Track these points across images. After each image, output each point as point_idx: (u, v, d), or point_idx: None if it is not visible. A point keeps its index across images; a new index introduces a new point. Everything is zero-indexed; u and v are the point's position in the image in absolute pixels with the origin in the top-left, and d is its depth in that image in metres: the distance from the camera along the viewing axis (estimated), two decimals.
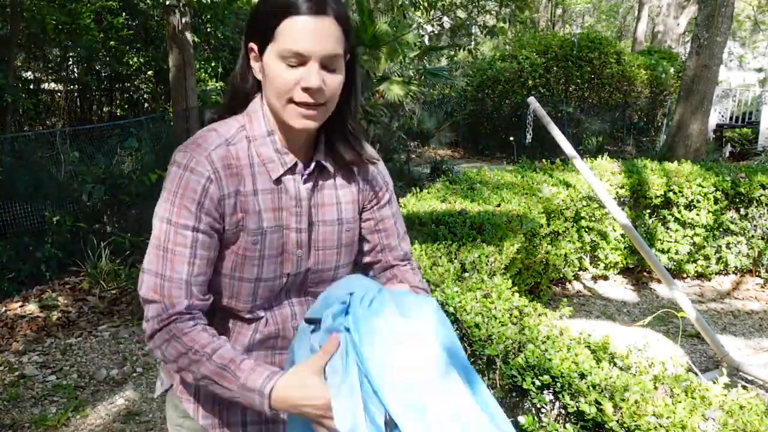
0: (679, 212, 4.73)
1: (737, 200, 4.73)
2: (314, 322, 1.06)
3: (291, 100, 1.04)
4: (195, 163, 1.05)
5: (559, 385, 1.72)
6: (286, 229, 1.14)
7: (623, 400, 1.57)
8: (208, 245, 1.07)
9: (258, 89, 1.13)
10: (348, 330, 0.96)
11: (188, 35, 5.42)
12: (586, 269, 4.81)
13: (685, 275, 4.95)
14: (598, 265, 4.80)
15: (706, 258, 4.83)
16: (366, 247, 1.29)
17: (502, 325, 2.00)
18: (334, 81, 1.06)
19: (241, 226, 1.09)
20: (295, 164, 1.13)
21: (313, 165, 1.16)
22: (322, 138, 1.17)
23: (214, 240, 1.08)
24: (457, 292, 2.26)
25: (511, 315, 2.10)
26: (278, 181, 1.12)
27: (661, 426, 1.48)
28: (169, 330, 1.05)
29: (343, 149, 1.18)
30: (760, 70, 23.94)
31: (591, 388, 1.65)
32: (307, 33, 1.00)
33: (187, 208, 1.04)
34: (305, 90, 1.02)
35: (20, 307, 4.13)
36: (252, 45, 1.08)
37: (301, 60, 1.01)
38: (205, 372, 1.04)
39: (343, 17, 1.04)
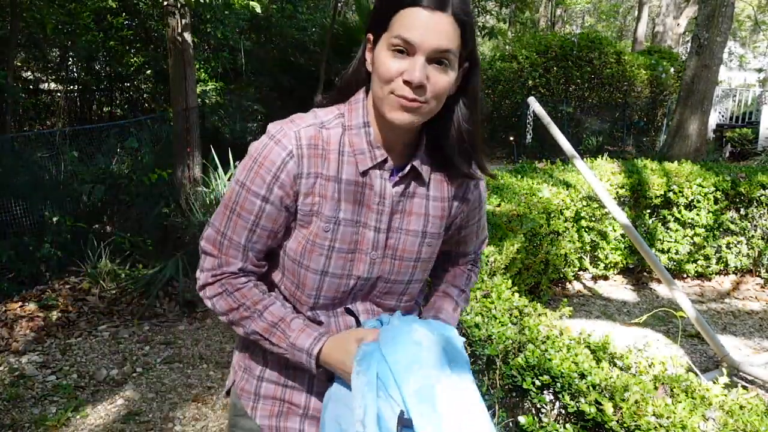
0: (679, 212, 4.73)
1: (737, 200, 4.73)
2: None
3: (392, 91, 1.00)
4: (282, 135, 1.05)
5: (559, 385, 1.72)
6: (364, 226, 1.10)
7: (623, 400, 1.57)
8: (275, 218, 1.07)
9: (367, 81, 1.10)
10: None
11: (188, 36, 5.42)
12: (586, 269, 4.81)
13: (685, 275, 4.95)
14: (598, 265, 4.80)
15: (706, 258, 4.83)
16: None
17: (502, 325, 2.00)
18: (441, 80, 1.00)
19: (316, 210, 1.07)
20: (385, 160, 1.09)
21: (408, 168, 1.11)
22: (423, 141, 1.12)
23: (282, 215, 1.07)
24: None
25: (510, 315, 2.10)
26: (365, 173, 1.08)
27: (661, 426, 1.48)
28: (222, 284, 1.08)
29: (460, 162, 1.12)
30: (760, 70, 23.94)
31: (591, 388, 1.65)
32: (419, 23, 0.96)
33: (262, 178, 1.04)
34: (406, 83, 0.98)
35: (20, 307, 4.12)
36: (369, 36, 1.06)
37: (408, 49, 0.97)
38: (255, 328, 1.07)
39: (462, 18, 0.99)
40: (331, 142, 1.07)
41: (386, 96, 1.00)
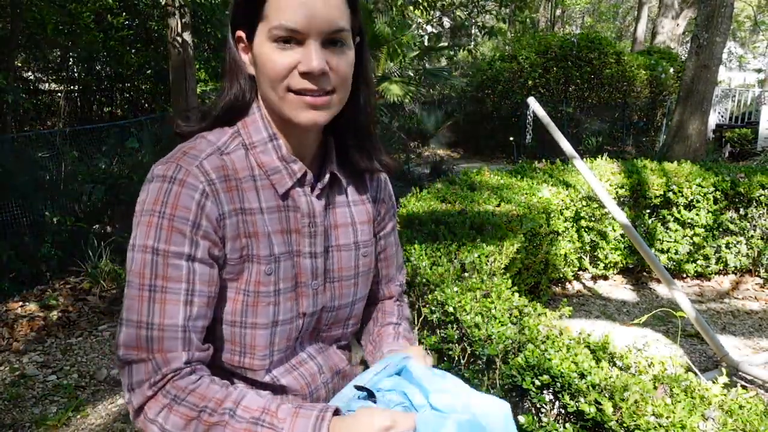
0: (679, 212, 4.74)
1: (737, 200, 4.73)
2: (364, 390, 0.88)
3: (289, 89, 0.84)
4: (184, 174, 0.83)
5: (558, 384, 1.73)
6: (298, 255, 0.93)
7: (623, 399, 1.58)
8: (208, 278, 0.84)
9: (253, 90, 0.92)
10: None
11: (188, 36, 5.42)
12: (586, 269, 4.82)
13: (684, 275, 4.95)
14: (598, 265, 4.80)
15: (706, 258, 4.84)
16: None
17: (502, 325, 2.00)
18: (343, 62, 0.85)
19: (247, 254, 0.87)
20: (305, 174, 0.93)
21: (327, 176, 0.96)
22: (331, 143, 0.98)
23: (215, 271, 0.85)
24: (456, 292, 2.26)
25: (510, 315, 2.10)
26: (286, 195, 0.91)
27: (660, 426, 1.48)
28: (167, 392, 0.78)
29: (356, 155, 0.98)
30: (759, 70, 23.95)
31: (591, 388, 1.66)
32: (301, 4, 0.80)
33: (180, 231, 0.81)
34: (305, 75, 0.82)
35: (20, 306, 4.13)
36: (239, 34, 0.88)
37: (296, 38, 0.82)
38: None
39: None
40: (239, 169, 0.88)
41: (284, 97, 0.85)
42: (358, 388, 0.88)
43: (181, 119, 0.94)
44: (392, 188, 1.14)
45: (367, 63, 0.96)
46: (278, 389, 0.94)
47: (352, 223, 1.01)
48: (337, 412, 0.79)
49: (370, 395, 0.87)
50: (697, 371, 2.24)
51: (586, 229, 4.62)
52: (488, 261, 2.73)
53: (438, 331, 2.26)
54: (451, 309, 2.19)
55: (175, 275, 0.81)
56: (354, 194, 1.02)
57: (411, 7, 10.08)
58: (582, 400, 1.65)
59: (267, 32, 0.82)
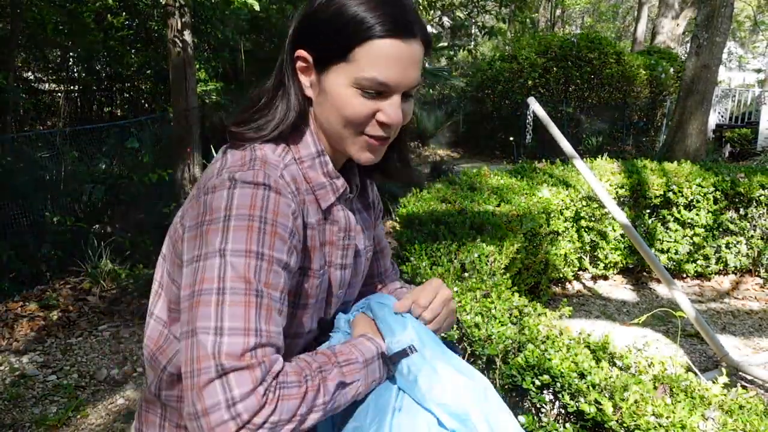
0: (679, 212, 4.74)
1: (737, 200, 4.73)
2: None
3: (362, 133, 0.87)
4: (275, 182, 0.81)
5: (558, 384, 1.73)
6: (330, 266, 0.96)
7: (623, 399, 1.58)
8: (289, 286, 0.84)
9: (308, 111, 0.93)
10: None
11: (188, 36, 5.42)
12: (586, 269, 4.82)
13: (684, 275, 4.95)
14: (598, 265, 4.80)
15: (706, 258, 4.84)
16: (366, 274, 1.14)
17: (502, 325, 2.00)
18: (409, 109, 0.90)
19: (304, 267, 0.89)
20: (346, 189, 0.95)
21: (357, 188, 1.01)
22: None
23: (293, 280, 0.87)
24: (456, 292, 2.26)
25: (510, 315, 2.10)
26: (327, 210, 0.94)
27: (660, 426, 1.48)
28: (275, 389, 0.75)
29: (400, 172, 1.04)
30: (759, 70, 23.95)
31: (591, 388, 1.66)
32: (396, 62, 0.82)
33: (282, 238, 0.80)
34: (383, 125, 0.87)
35: (21, 306, 4.13)
36: (303, 54, 0.88)
37: (383, 90, 0.84)
38: (337, 380, 0.81)
39: (426, 36, 0.87)
40: (299, 184, 0.90)
41: (354, 139, 0.88)
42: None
43: (237, 124, 0.91)
44: (392, 187, 1.19)
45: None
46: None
47: (363, 229, 1.04)
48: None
49: None
50: (697, 371, 2.24)
51: (586, 229, 4.62)
52: (488, 261, 2.73)
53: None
54: None
55: (275, 283, 0.79)
56: (362, 200, 1.08)
57: None
58: (582, 400, 1.65)
59: (353, 77, 0.83)
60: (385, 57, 0.82)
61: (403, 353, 0.88)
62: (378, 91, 0.84)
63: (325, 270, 0.93)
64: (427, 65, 12.52)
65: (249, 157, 0.85)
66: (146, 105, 9.82)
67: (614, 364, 1.83)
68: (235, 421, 0.70)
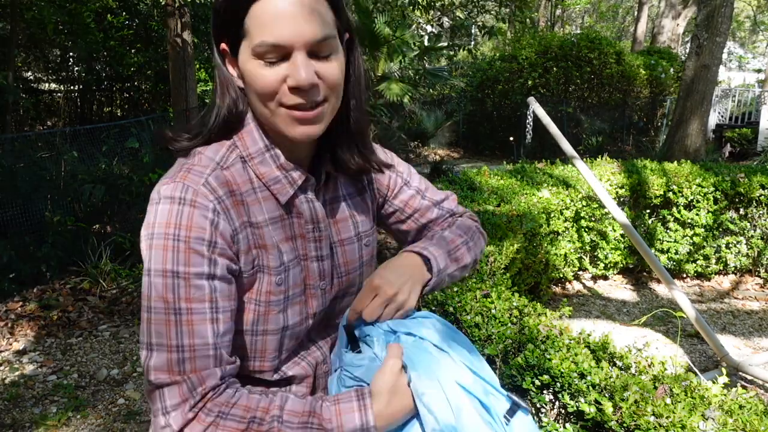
0: (679, 212, 4.74)
1: (737, 200, 4.73)
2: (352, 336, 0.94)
3: (281, 104, 0.83)
4: (193, 193, 0.82)
5: (558, 384, 1.73)
6: (305, 259, 0.94)
7: (623, 399, 1.58)
8: (228, 294, 0.84)
9: (245, 102, 0.91)
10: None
11: (187, 36, 5.42)
12: (586, 269, 4.82)
13: (684, 275, 4.95)
14: (598, 265, 4.80)
15: (706, 258, 4.84)
16: (409, 237, 1.11)
17: (502, 325, 2.00)
18: (332, 69, 0.83)
19: (259, 265, 0.88)
20: (306, 180, 0.92)
21: (323, 177, 0.96)
22: (325, 143, 0.97)
23: (233, 286, 0.85)
24: (457, 292, 2.26)
25: (510, 315, 2.10)
26: (288, 204, 0.92)
27: (660, 426, 1.48)
28: (209, 411, 0.77)
29: (347, 156, 0.97)
30: (759, 70, 23.95)
31: (590, 388, 1.66)
32: (281, 17, 0.78)
33: (197, 252, 0.80)
34: (294, 90, 0.81)
35: (21, 306, 4.13)
36: (224, 47, 0.86)
37: (281, 53, 0.80)
38: None
39: None
40: (240, 183, 0.88)
41: (275, 112, 0.84)
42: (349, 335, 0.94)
43: (174, 138, 0.91)
44: (391, 157, 1.12)
45: (358, 60, 0.93)
46: (285, 381, 0.96)
47: (350, 215, 1.01)
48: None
49: (353, 339, 0.93)
50: (697, 371, 2.24)
51: (586, 229, 4.62)
52: (488, 261, 2.73)
53: None
54: (451, 309, 2.19)
55: (198, 296, 0.80)
56: (349, 187, 1.02)
57: (410, 8, 10.08)
58: (582, 400, 1.65)
59: (251, 49, 0.81)
60: (269, 17, 0.79)
61: None
62: (277, 55, 0.80)
63: (287, 266, 0.90)
64: (427, 65, 12.52)
65: (178, 167, 0.86)
66: (146, 105, 9.82)
67: (614, 364, 1.83)
68: (171, 428, 0.77)
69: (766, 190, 4.65)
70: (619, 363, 1.83)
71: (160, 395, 0.79)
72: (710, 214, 4.70)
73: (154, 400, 0.79)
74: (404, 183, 1.10)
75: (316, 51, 0.81)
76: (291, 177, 0.91)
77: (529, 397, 1.82)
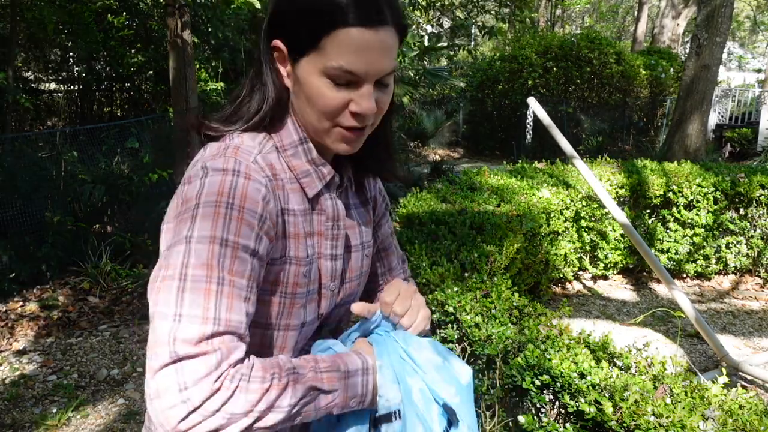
0: (679, 212, 4.74)
1: (737, 200, 4.73)
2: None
3: (337, 124, 0.86)
4: (246, 168, 0.82)
5: (558, 384, 1.73)
6: (320, 257, 0.94)
7: (623, 399, 1.58)
8: (259, 276, 0.82)
9: (288, 100, 0.92)
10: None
11: (188, 35, 5.42)
12: (586, 269, 4.82)
13: (684, 275, 4.95)
14: (598, 265, 4.80)
15: (706, 258, 4.84)
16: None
17: (502, 325, 2.01)
18: (386, 99, 0.88)
19: (286, 255, 0.87)
20: (333, 177, 0.94)
21: (345, 180, 0.99)
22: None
23: (264, 269, 0.84)
24: (457, 292, 2.26)
25: (510, 315, 2.10)
26: (314, 199, 0.93)
27: (660, 425, 1.48)
28: (233, 377, 0.73)
29: (382, 166, 1.02)
30: (759, 70, 23.95)
31: (590, 388, 1.66)
32: (363, 50, 0.80)
33: (249, 224, 0.78)
34: (356, 116, 0.85)
35: (21, 306, 4.13)
36: (278, 44, 0.87)
37: (352, 80, 0.83)
38: (308, 384, 0.79)
39: (400, 23, 0.85)
40: (277, 170, 0.89)
41: (329, 130, 0.87)
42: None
43: (207, 121, 0.92)
44: (392, 187, 1.16)
45: (391, 85, 0.95)
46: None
47: (358, 224, 1.03)
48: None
49: None
50: (697, 371, 2.24)
51: (586, 229, 4.62)
52: (488, 261, 2.73)
53: (438, 331, 2.26)
54: (451, 309, 2.19)
55: (240, 270, 0.77)
56: (358, 196, 1.05)
57: (410, 8, 10.08)
58: (582, 400, 1.65)
59: (322, 66, 0.82)
60: (352, 46, 0.80)
61: (388, 418, 0.87)
62: (348, 80, 0.82)
63: (313, 259, 0.91)
64: (427, 65, 12.52)
65: (223, 146, 0.86)
66: (146, 105, 9.82)
67: (614, 364, 1.83)
68: (186, 405, 0.70)
69: (766, 190, 4.65)
70: (619, 363, 1.83)
71: (178, 370, 0.71)
72: (710, 214, 4.70)
73: (167, 376, 0.71)
74: (387, 221, 1.15)
75: (381, 81, 0.85)
76: (321, 172, 0.92)
77: (529, 397, 1.82)
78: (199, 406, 0.70)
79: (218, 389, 0.72)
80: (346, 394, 0.82)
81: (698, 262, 4.85)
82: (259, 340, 0.89)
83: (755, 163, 8.90)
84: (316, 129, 0.88)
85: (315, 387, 0.79)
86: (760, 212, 4.71)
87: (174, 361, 0.71)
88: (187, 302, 0.74)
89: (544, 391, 1.80)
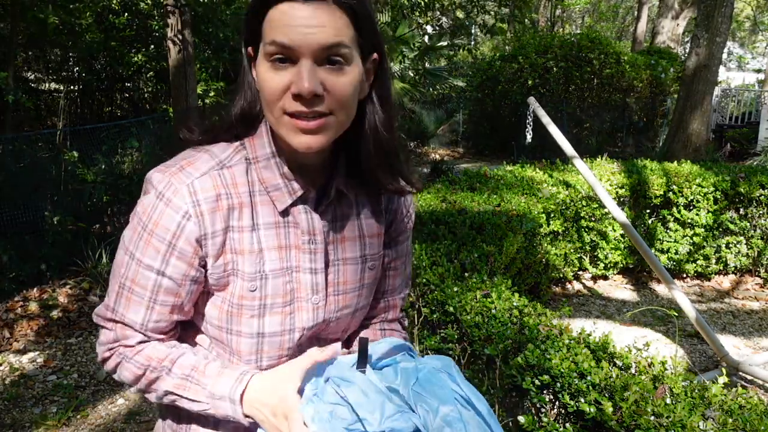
0: (679, 212, 4.74)
1: (737, 200, 4.73)
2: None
3: (284, 111, 0.82)
4: (172, 192, 0.86)
5: (558, 384, 1.73)
6: (297, 271, 0.93)
7: (623, 399, 1.58)
8: (176, 292, 0.90)
9: (260, 106, 0.91)
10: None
11: (188, 35, 5.42)
12: (586, 269, 4.82)
13: (684, 275, 4.95)
14: (598, 265, 4.80)
15: (706, 258, 4.84)
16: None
17: (502, 325, 2.01)
18: (341, 82, 0.82)
19: (232, 269, 0.90)
20: (306, 192, 0.92)
21: (333, 192, 0.94)
22: (342, 158, 0.95)
23: (186, 287, 0.90)
24: (457, 292, 2.26)
25: (510, 315, 2.10)
26: (285, 212, 0.91)
27: (660, 425, 1.48)
28: (119, 354, 0.92)
29: (384, 176, 0.95)
30: (759, 70, 23.95)
31: (591, 388, 1.66)
32: (294, 23, 0.78)
33: (155, 248, 0.87)
34: (296, 97, 0.80)
35: (21, 306, 4.13)
36: (249, 50, 0.88)
37: (288, 55, 0.79)
38: (166, 387, 0.90)
39: (348, 2, 0.81)
40: (238, 184, 0.89)
41: (279, 119, 0.83)
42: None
43: (186, 128, 0.96)
44: (413, 204, 1.11)
45: (385, 83, 0.92)
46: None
47: (360, 236, 1.00)
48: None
49: None
50: (697, 371, 2.24)
51: (586, 229, 4.62)
52: (488, 261, 2.73)
53: (438, 331, 2.26)
54: (451, 309, 2.19)
55: (142, 282, 0.89)
56: (365, 207, 1.01)
57: (409, 9, 10.09)
58: (582, 399, 1.65)
59: (263, 50, 0.82)
60: (283, 20, 0.79)
61: None
62: (282, 57, 0.80)
63: (266, 274, 0.90)
64: (427, 65, 12.52)
65: (179, 159, 0.91)
66: (146, 105, 9.82)
67: (614, 364, 1.83)
68: (98, 357, 0.97)
69: (766, 190, 4.65)
70: (619, 363, 1.83)
71: (100, 330, 0.95)
72: (710, 214, 4.70)
73: (99, 331, 0.96)
74: (404, 241, 1.10)
75: (324, 59, 0.80)
76: (292, 187, 0.91)
77: (529, 397, 1.82)
78: (101, 360, 0.96)
79: (109, 357, 0.94)
80: (216, 411, 0.89)
81: (698, 262, 4.85)
82: (217, 335, 0.96)
83: (755, 163, 8.90)
84: (273, 124, 0.86)
85: (178, 394, 0.90)
86: (760, 212, 4.71)
87: (95, 324, 0.98)
88: (109, 287, 0.93)
89: (544, 391, 1.80)
